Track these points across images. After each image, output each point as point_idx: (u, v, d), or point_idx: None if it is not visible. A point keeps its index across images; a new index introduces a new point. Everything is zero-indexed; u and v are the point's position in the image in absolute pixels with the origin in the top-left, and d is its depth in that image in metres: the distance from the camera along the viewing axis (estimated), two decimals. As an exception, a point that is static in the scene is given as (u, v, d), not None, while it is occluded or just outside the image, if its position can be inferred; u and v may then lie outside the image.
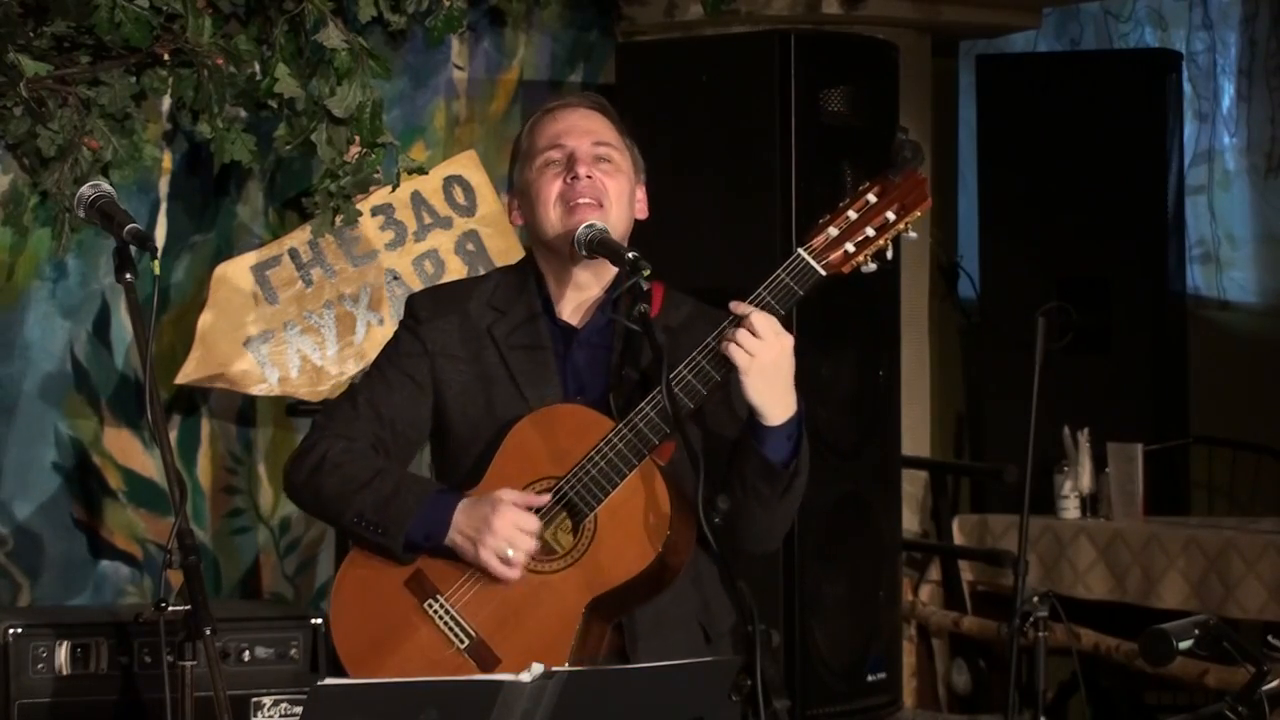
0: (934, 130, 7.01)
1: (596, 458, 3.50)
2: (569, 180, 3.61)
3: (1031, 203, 7.27)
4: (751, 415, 3.49)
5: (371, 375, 3.72)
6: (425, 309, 3.70)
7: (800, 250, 3.50)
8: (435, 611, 3.55)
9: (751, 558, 3.67)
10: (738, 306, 3.47)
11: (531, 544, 3.49)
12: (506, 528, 3.48)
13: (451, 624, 3.54)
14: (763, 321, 3.43)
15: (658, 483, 3.48)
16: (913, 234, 3.54)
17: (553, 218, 3.62)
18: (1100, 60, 7.82)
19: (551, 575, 3.52)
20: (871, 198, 3.52)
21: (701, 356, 3.48)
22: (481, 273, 4.82)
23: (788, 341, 3.46)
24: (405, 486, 3.57)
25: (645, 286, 3.44)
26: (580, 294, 3.68)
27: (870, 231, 3.50)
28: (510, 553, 3.48)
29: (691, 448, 3.38)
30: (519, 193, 3.71)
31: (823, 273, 3.49)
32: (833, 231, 3.50)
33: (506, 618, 3.52)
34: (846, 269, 3.51)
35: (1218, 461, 7.54)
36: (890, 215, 3.51)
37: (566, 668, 3.02)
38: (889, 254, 3.53)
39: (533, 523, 3.50)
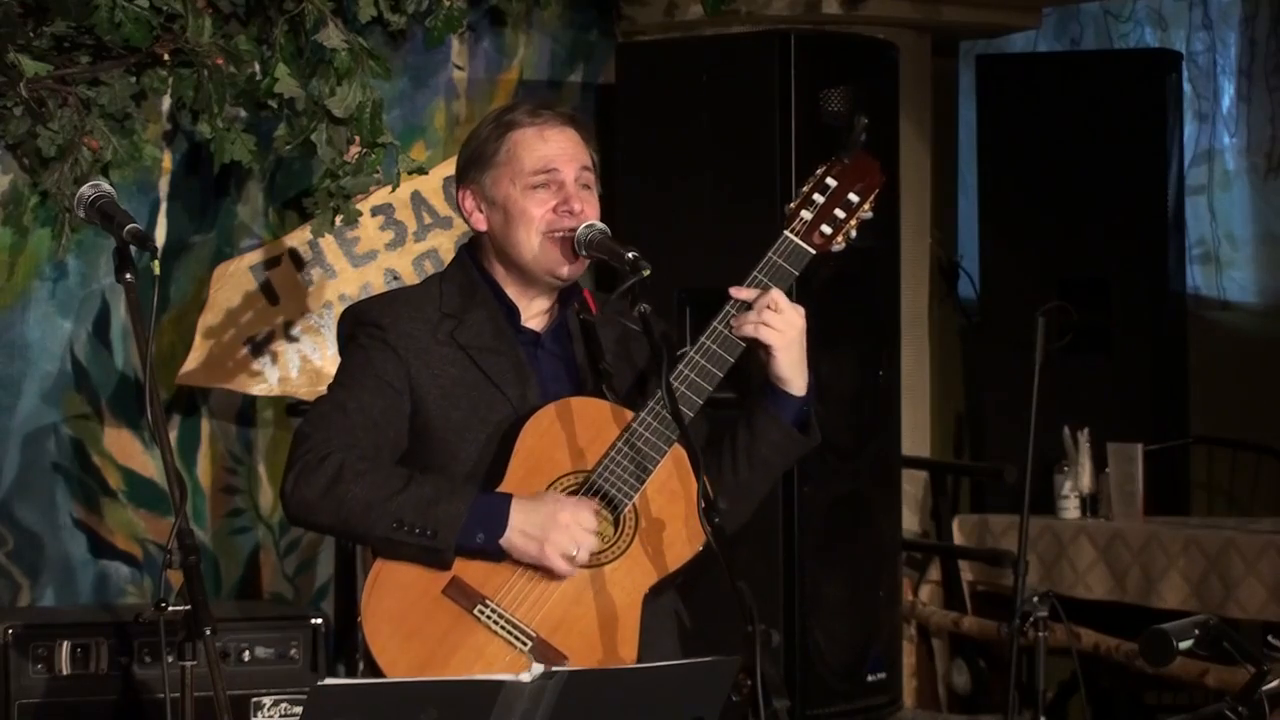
0: (934, 130, 7.01)
1: (624, 448, 3.52)
2: (560, 213, 3.62)
3: (1031, 203, 7.27)
4: (774, 390, 3.60)
5: (347, 386, 3.63)
6: (385, 317, 3.64)
7: (786, 232, 3.61)
8: (488, 617, 3.51)
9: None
10: (740, 291, 3.57)
11: (594, 541, 3.50)
12: (573, 525, 3.47)
13: (508, 628, 3.50)
14: (781, 298, 3.56)
15: (685, 464, 3.50)
16: (869, 213, 3.65)
17: (535, 245, 3.62)
18: (1100, 60, 7.82)
19: (602, 568, 3.52)
20: (831, 181, 3.64)
21: (711, 340, 3.55)
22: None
23: (803, 312, 3.60)
24: (446, 490, 3.51)
25: (634, 284, 3.50)
26: (542, 304, 3.70)
27: (840, 213, 3.63)
28: (575, 550, 3.48)
29: (693, 447, 3.41)
30: (489, 202, 3.67)
31: (812, 251, 3.60)
32: (806, 215, 3.62)
33: (564, 615, 3.51)
34: (826, 250, 3.63)
35: (1218, 461, 7.53)
36: (853, 197, 3.64)
37: (567, 668, 3.02)
38: (853, 234, 3.65)
39: (593, 521, 3.50)
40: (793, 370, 3.59)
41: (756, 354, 3.58)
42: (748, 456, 3.62)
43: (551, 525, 3.47)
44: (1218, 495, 7.58)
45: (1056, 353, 4.52)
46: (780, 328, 3.55)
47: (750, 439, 3.62)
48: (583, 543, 3.48)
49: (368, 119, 5.55)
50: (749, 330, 3.54)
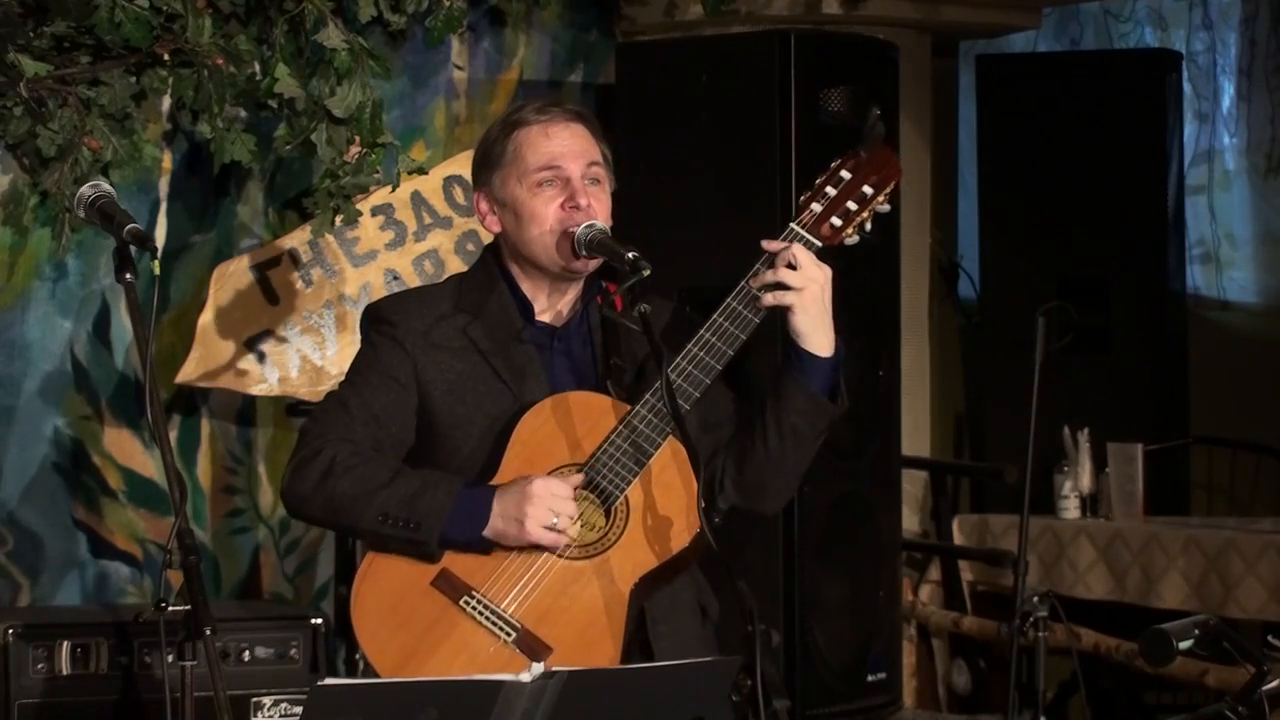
0: (934, 130, 7.01)
1: (619, 440, 3.52)
2: (568, 209, 3.62)
3: (1031, 203, 7.27)
4: (798, 352, 3.57)
5: (354, 382, 3.67)
6: (396, 314, 3.68)
7: (792, 224, 3.59)
8: (473, 608, 3.52)
9: (765, 519, 3.72)
10: (771, 244, 3.55)
11: (572, 508, 3.49)
12: (546, 497, 3.47)
13: (493, 619, 3.51)
14: (802, 253, 3.53)
15: (682, 457, 3.50)
16: (885, 206, 3.63)
17: (549, 244, 3.63)
18: (1100, 60, 7.82)
19: (591, 560, 3.52)
20: (845, 174, 3.61)
21: (737, 301, 3.53)
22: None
23: (828, 271, 3.56)
24: (431, 483, 3.54)
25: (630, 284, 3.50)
26: (559, 299, 3.70)
27: (852, 205, 3.60)
28: (555, 520, 3.48)
29: (691, 445, 3.42)
30: (499, 203, 3.68)
31: (819, 244, 3.58)
32: (816, 208, 3.60)
33: (550, 607, 3.51)
34: (835, 242, 3.60)
35: (1218, 461, 7.53)
36: (868, 189, 3.61)
37: (567, 667, 3.02)
38: (868, 227, 3.62)
39: (567, 489, 3.50)
40: (812, 328, 3.55)
41: (778, 311, 3.55)
42: (777, 425, 3.60)
43: (525, 501, 3.47)
44: (1218, 495, 7.58)
45: (1056, 353, 4.52)
46: (798, 283, 3.52)
47: (778, 406, 3.60)
48: (561, 510, 3.48)
49: (368, 119, 5.55)
50: (768, 286, 3.51)
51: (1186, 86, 7.75)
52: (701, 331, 3.54)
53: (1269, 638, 3.74)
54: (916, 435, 6.79)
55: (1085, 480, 6.65)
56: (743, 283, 3.55)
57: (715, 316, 3.54)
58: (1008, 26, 7.23)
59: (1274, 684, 3.47)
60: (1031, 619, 4.25)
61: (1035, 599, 4.27)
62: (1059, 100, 7.28)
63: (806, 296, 3.53)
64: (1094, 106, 7.24)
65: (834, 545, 5.92)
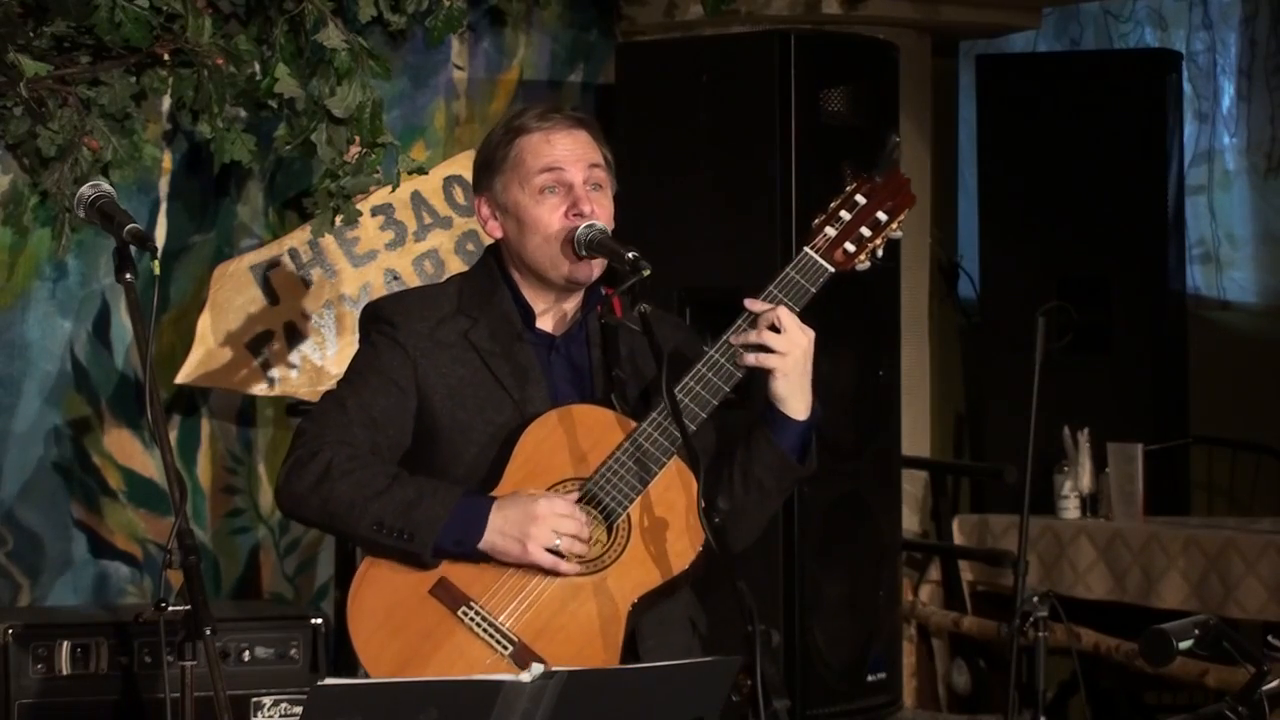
0: (934, 130, 7.00)
1: (624, 457, 3.50)
2: (572, 216, 3.60)
3: (1031, 203, 7.27)
4: (772, 411, 3.55)
5: (353, 382, 3.63)
6: (397, 315, 3.65)
7: (807, 249, 3.56)
8: (471, 619, 3.50)
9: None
10: (754, 304, 3.52)
11: (583, 531, 3.47)
12: (549, 516, 3.45)
13: (491, 631, 3.49)
14: (787, 317, 3.50)
15: (686, 476, 3.48)
16: (899, 233, 3.62)
17: (552, 251, 3.61)
18: (1100, 60, 7.82)
19: (592, 576, 3.51)
20: (860, 198, 3.59)
21: (720, 354, 3.52)
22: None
23: (811, 335, 3.53)
24: (428, 491, 3.50)
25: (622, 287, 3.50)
26: (559, 305, 3.69)
27: (866, 231, 3.58)
28: (558, 542, 3.46)
29: (693, 450, 3.40)
30: (501, 208, 3.67)
31: (832, 269, 3.56)
32: (830, 232, 3.57)
33: (549, 621, 3.49)
34: (848, 268, 3.58)
35: (1218, 461, 7.54)
36: (882, 215, 3.59)
37: (566, 668, 3.02)
38: (879, 253, 3.60)
39: (570, 508, 3.48)
40: (791, 392, 3.53)
41: (758, 370, 3.53)
42: (743, 476, 3.58)
43: (529, 521, 3.46)
44: (1218, 495, 7.58)
45: (1056, 353, 4.52)
46: (781, 348, 3.49)
47: (747, 458, 3.59)
48: (564, 530, 3.46)
49: (368, 119, 5.55)
50: (750, 349, 3.49)
51: (1186, 86, 7.75)
52: (699, 366, 3.51)
53: (1269, 638, 3.74)
54: (916, 435, 6.79)
55: (1085, 480, 6.65)
56: (725, 336, 3.52)
57: (699, 366, 3.51)
58: (1008, 26, 7.23)
59: (1274, 684, 3.47)
60: (1031, 619, 4.25)
61: (1035, 599, 4.27)
62: (1059, 100, 7.28)
63: (789, 362, 3.50)
64: (1094, 106, 7.24)
65: (834, 545, 5.92)
